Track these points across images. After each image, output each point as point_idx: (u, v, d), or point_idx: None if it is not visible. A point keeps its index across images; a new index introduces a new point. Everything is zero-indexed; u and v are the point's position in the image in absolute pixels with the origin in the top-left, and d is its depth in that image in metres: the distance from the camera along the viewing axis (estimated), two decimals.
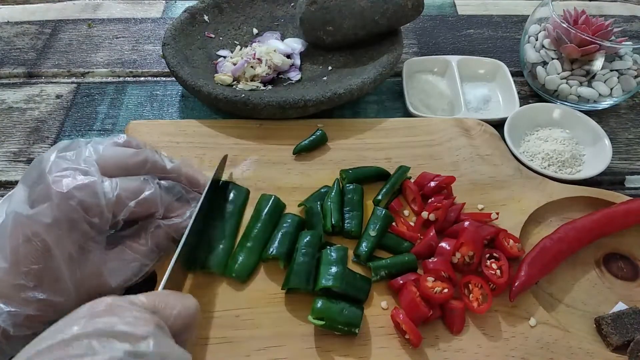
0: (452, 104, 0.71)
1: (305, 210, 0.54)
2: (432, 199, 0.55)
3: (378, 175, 0.58)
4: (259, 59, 0.69)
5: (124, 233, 0.45)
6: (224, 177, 0.57)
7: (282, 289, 0.48)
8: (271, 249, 0.49)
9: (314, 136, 0.61)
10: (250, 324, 0.46)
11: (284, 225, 0.51)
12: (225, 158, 0.56)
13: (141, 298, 0.35)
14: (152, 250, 0.46)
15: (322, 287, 0.46)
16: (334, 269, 0.47)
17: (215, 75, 0.68)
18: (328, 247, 0.50)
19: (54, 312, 0.40)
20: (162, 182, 0.47)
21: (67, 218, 0.40)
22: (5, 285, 0.38)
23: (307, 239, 0.49)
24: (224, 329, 0.45)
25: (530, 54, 0.71)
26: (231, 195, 0.55)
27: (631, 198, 0.57)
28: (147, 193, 0.44)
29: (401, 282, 0.48)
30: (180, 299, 0.38)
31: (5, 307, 0.38)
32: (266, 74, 0.69)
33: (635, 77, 0.67)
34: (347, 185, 0.56)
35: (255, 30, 0.78)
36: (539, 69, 0.70)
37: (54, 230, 0.39)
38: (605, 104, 0.69)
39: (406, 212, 0.56)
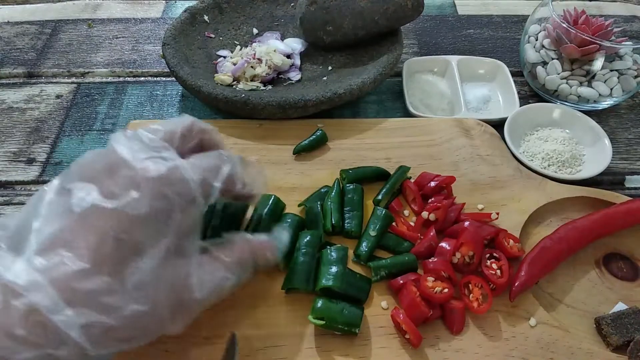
0: (452, 104, 0.71)
1: (306, 210, 0.54)
2: (432, 199, 0.55)
3: (378, 175, 0.58)
4: (259, 59, 0.69)
5: (208, 243, 0.40)
6: None
7: (282, 289, 0.48)
8: None
9: (314, 136, 0.61)
10: (250, 324, 0.46)
11: (284, 225, 0.51)
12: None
13: None
14: (235, 264, 0.40)
15: (322, 287, 0.46)
16: (334, 269, 0.47)
17: (215, 75, 0.68)
18: (328, 247, 0.50)
19: (137, 328, 0.34)
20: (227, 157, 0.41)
21: (162, 209, 0.34)
22: (81, 291, 0.31)
23: (307, 238, 0.49)
24: (224, 329, 0.45)
25: (530, 54, 0.71)
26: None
27: (631, 198, 0.57)
28: (225, 169, 0.39)
29: (401, 282, 0.48)
30: None
31: (80, 318, 0.31)
32: (266, 74, 0.69)
33: (635, 77, 0.67)
34: (347, 185, 0.56)
35: (255, 30, 0.78)
36: (539, 69, 0.70)
37: (147, 224, 0.33)
38: (605, 104, 0.69)
39: (406, 212, 0.56)
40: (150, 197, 0.34)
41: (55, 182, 0.36)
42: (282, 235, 0.47)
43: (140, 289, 0.33)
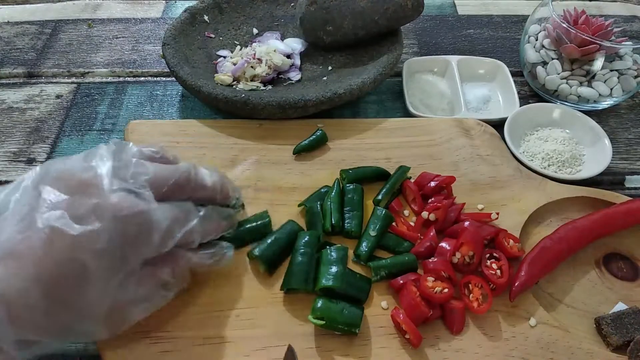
0: (452, 104, 0.71)
1: (306, 210, 0.54)
2: (432, 199, 0.55)
3: (378, 175, 0.58)
4: (259, 59, 0.69)
5: (149, 260, 0.40)
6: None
7: (280, 290, 0.48)
8: (256, 250, 0.49)
9: (314, 136, 0.61)
10: (250, 324, 0.46)
11: (280, 230, 0.51)
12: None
13: None
14: (175, 282, 0.41)
15: (322, 287, 0.46)
16: (334, 269, 0.47)
17: (215, 75, 0.68)
18: (328, 247, 0.50)
19: (68, 337, 0.37)
20: (200, 211, 0.43)
21: (120, 246, 0.35)
22: (24, 309, 0.33)
23: (306, 239, 0.49)
24: (224, 329, 0.45)
25: (530, 54, 0.71)
26: None
27: (631, 198, 0.57)
28: (192, 224, 0.40)
29: (401, 282, 0.48)
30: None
31: (15, 336, 0.33)
32: (266, 74, 0.69)
33: (635, 77, 0.67)
34: (347, 185, 0.56)
35: (255, 30, 0.78)
36: (539, 69, 0.70)
37: (102, 257, 0.34)
38: (605, 104, 0.69)
39: (406, 212, 0.56)
40: (112, 232, 0.35)
41: (33, 176, 0.37)
42: (228, 251, 0.46)
43: (83, 313, 0.35)
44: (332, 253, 0.48)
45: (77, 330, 0.37)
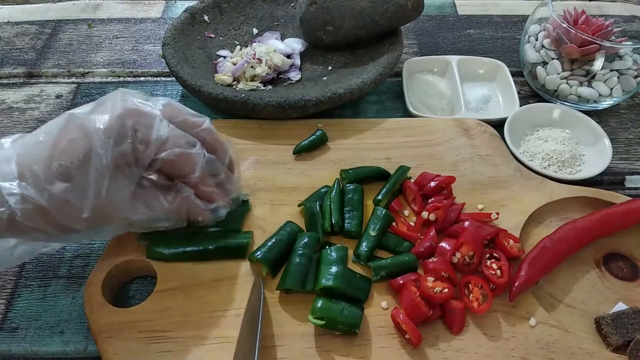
0: (452, 104, 0.71)
1: (305, 210, 0.54)
2: (432, 199, 0.55)
3: (378, 175, 0.58)
4: (259, 59, 0.69)
5: (158, 181, 0.45)
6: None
7: (276, 290, 0.48)
8: (258, 253, 0.49)
9: (314, 136, 0.61)
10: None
11: (280, 232, 0.51)
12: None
13: None
14: (174, 212, 0.46)
15: (322, 287, 0.46)
16: (334, 269, 0.47)
17: (215, 75, 0.68)
18: (328, 247, 0.50)
19: (63, 225, 0.41)
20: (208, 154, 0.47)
21: (117, 131, 0.41)
22: (33, 171, 0.39)
23: (305, 240, 0.50)
24: (224, 329, 0.45)
25: (530, 54, 0.71)
26: None
27: (631, 198, 0.57)
28: (192, 150, 0.45)
29: (401, 282, 0.48)
30: None
31: (22, 190, 0.39)
32: (266, 74, 0.69)
33: (635, 77, 0.67)
34: (348, 185, 0.56)
35: (255, 30, 0.78)
36: (539, 69, 0.70)
37: (100, 137, 0.40)
38: (605, 104, 0.69)
39: (406, 212, 0.56)
40: (114, 119, 0.41)
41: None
42: (221, 212, 0.49)
43: (79, 190, 0.40)
44: (332, 253, 0.48)
45: (71, 211, 0.40)
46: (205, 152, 0.46)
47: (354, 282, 0.48)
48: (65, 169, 0.39)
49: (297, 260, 0.48)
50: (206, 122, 0.48)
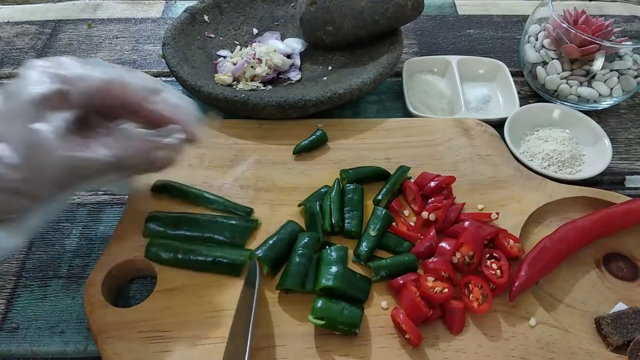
0: (452, 104, 0.71)
1: (305, 209, 0.54)
2: (432, 199, 0.55)
3: (378, 175, 0.58)
4: (259, 59, 0.69)
5: (90, 122, 0.41)
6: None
7: (275, 289, 0.48)
8: (259, 251, 0.49)
9: (314, 136, 0.61)
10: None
11: (281, 231, 0.51)
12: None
13: None
14: (114, 157, 0.40)
15: (322, 287, 0.46)
16: (334, 269, 0.47)
17: (215, 75, 0.68)
18: (328, 247, 0.50)
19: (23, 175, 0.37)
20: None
21: (57, 90, 0.38)
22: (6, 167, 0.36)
23: (305, 240, 0.50)
24: (223, 329, 0.45)
25: (530, 54, 0.71)
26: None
27: (631, 198, 0.57)
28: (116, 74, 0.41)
29: (401, 282, 0.48)
30: None
31: None
32: (266, 74, 0.69)
33: (635, 77, 0.67)
34: (348, 185, 0.56)
35: (255, 30, 0.78)
36: (539, 69, 0.70)
37: (41, 101, 0.38)
38: (605, 104, 0.69)
39: (406, 212, 0.56)
40: (50, 79, 0.38)
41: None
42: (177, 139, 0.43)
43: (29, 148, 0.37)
44: (332, 253, 0.48)
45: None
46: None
47: (354, 282, 0.48)
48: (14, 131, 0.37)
49: (297, 260, 0.48)
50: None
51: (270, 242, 0.50)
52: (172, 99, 0.44)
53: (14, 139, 0.37)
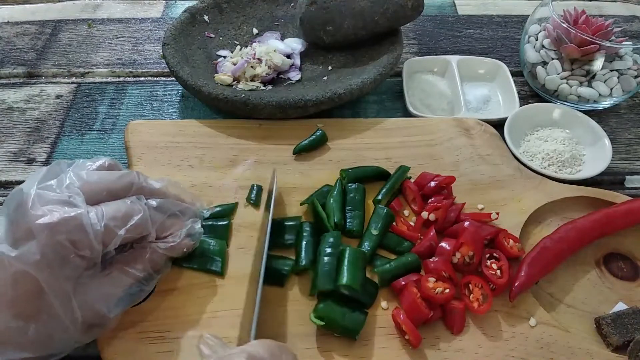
0: (452, 104, 0.71)
1: (313, 206, 0.53)
2: (432, 199, 0.55)
3: (378, 175, 0.58)
4: (259, 59, 0.69)
5: (119, 257, 0.43)
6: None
7: (310, 294, 0.48)
8: (302, 261, 0.49)
9: (314, 136, 0.61)
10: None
11: (304, 234, 0.51)
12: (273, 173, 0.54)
13: None
14: (151, 274, 0.44)
15: (342, 285, 0.45)
16: (354, 270, 0.46)
17: (215, 75, 0.68)
18: (347, 248, 0.49)
19: (54, 349, 0.39)
20: (151, 201, 0.44)
21: (55, 255, 0.37)
22: (1, 335, 0.37)
23: (330, 240, 0.49)
24: (224, 329, 0.45)
25: (530, 54, 0.71)
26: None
27: (631, 198, 0.57)
28: (136, 218, 0.41)
29: (403, 282, 0.48)
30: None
31: (1, 356, 0.36)
32: (266, 74, 0.69)
33: (635, 77, 0.67)
34: (350, 184, 0.56)
35: (255, 30, 0.78)
36: (539, 69, 0.70)
37: (43, 268, 0.37)
38: (605, 104, 0.69)
39: (406, 212, 0.56)
40: (43, 245, 0.37)
41: None
42: (195, 224, 0.48)
43: (51, 321, 0.38)
44: (352, 255, 0.48)
45: (59, 339, 0.39)
46: (147, 203, 0.44)
47: (365, 286, 0.48)
48: (28, 313, 0.37)
49: (325, 260, 0.47)
50: (131, 175, 0.44)
51: (304, 246, 0.50)
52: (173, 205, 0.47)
53: (57, 314, 0.38)
